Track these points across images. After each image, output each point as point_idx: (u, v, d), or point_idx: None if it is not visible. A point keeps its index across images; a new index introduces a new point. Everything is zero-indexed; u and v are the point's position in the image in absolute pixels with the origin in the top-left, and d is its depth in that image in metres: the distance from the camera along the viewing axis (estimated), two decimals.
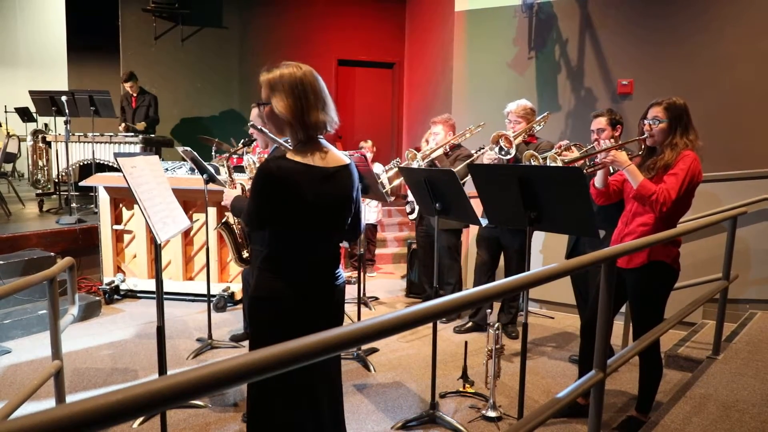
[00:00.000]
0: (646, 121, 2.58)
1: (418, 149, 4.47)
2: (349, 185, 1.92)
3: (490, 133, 3.72)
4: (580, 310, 3.67)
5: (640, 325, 2.58)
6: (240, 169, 4.64)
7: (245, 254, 3.15)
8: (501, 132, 3.63)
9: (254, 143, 3.15)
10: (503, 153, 3.60)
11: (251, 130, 2.97)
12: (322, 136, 1.88)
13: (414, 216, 4.99)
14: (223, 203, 2.44)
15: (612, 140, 2.80)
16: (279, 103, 1.76)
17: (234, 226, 3.15)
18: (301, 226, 1.85)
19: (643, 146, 2.66)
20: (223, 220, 3.00)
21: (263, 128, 1.94)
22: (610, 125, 3.28)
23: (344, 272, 2.08)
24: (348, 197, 1.93)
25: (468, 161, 4.20)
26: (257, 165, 3.16)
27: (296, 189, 1.76)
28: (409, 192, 5.03)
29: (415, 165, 4.22)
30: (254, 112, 2.93)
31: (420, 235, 4.97)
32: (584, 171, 2.75)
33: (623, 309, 3.16)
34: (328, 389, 2.03)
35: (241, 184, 2.85)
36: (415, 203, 4.90)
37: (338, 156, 1.90)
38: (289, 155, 1.80)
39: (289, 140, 1.91)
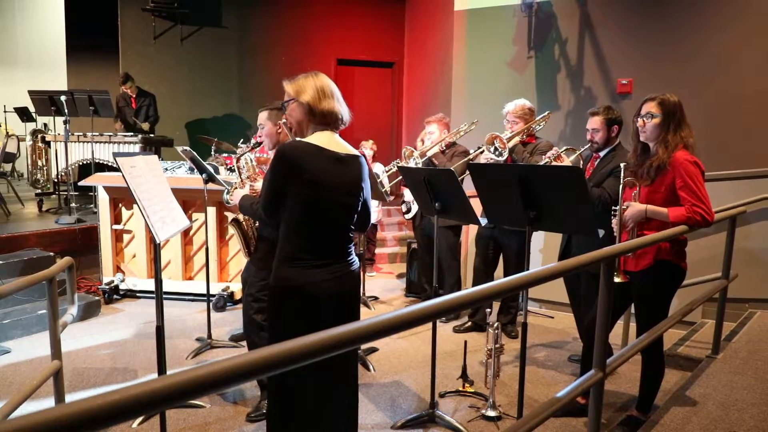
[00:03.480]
0: (639, 118, 2.57)
1: (416, 147, 4.48)
2: (359, 173, 2.09)
3: (486, 131, 3.72)
4: (574, 311, 3.67)
5: (646, 325, 2.56)
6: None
7: (254, 249, 3.17)
8: (495, 134, 3.63)
9: (261, 146, 3.15)
10: (497, 154, 3.61)
11: (259, 132, 2.99)
12: (336, 132, 2.08)
13: (410, 215, 4.99)
14: (232, 203, 2.57)
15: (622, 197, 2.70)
16: (304, 95, 2.02)
17: (244, 223, 3.19)
18: (315, 207, 1.98)
19: (637, 153, 2.63)
20: (233, 217, 3.03)
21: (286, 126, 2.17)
22: (606, 125, 3.21)
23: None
24: (357, 184, 2.08)
25: (465, 159, 4.21)
26: (253, 164, 3.20)
27: (307, 165, 1.94)
28: (405, 191, 5.04)
29: (412, 162, 4.23)
30: (264, 114, 2.94)
31: (419, 234, 4.97)
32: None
33: None
34: (344, 389, 2.10)
35: (250, 184, 2.87)
36: (411, 203, 4.91)
37: (349, 148, 2.09)
38: (304, 139, 2.01)
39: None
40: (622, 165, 2.62)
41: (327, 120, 2.02)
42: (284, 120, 2.18)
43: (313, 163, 1.94)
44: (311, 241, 2.00)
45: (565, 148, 3.27)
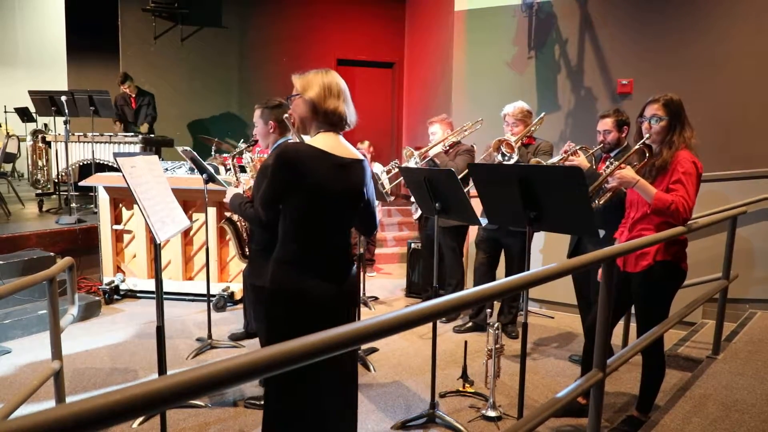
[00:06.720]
0: (644, 120, 2.57)
1: (417, 148, 4.45)
2: (360, 179, 2.05)
3: (488, 130, 3.72)
4: (581, 311, 3.67)
5: (646, 326, 2.55)
6: (242, 168, 4.65)
7: (248, 251, 3.17)
8: (502, 138, 3.63)
9: (256, 143, 3.17)
10: (506, 159, 3.60)
11: (255, 132, 3.00)
12: (341, 133, 2.04)
13: (418, 215, 4.98)
14: (224, 200, 2.53)
15: (614, 160, 2.80)
16: (309, 92, 1.98)
17: (238, 222, 3.18)
18: (314, 213, 1.95)
19: (646, 152, 2.63)
20: (227, 216, 3.02)
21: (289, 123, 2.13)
22: (617, 126, 3.26)
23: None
24: (359, 190, 2.05)
25: (469, 156, 4.20)
26: (253, 163, 3.19)
27: (309, 171, 1.90)
28: None
29: (412, 163, 4.21)
30: (257, 113, 2.95)
31: (424, 235, 4.94)
32: (597, 202, 2.76)
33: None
34: (343, 389, 2.09)
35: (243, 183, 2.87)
36: None
37: (353, 151, 2.05)
38: (308, 141, 1.98)
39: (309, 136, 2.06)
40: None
41: (331, 120, 1.97)
42: (287, 115, 2.17)
43: (315, 169, 1.90)
44: (308, 246, 1.97)
45: (580, 146, 3.29)
